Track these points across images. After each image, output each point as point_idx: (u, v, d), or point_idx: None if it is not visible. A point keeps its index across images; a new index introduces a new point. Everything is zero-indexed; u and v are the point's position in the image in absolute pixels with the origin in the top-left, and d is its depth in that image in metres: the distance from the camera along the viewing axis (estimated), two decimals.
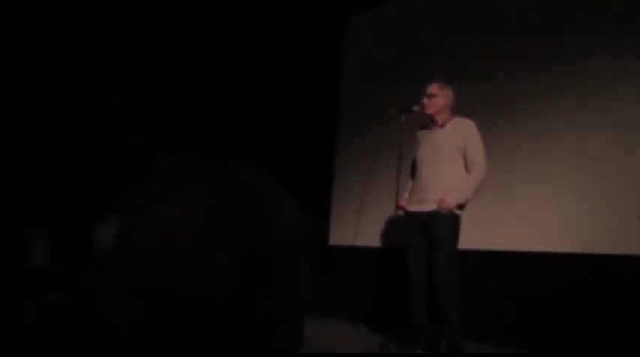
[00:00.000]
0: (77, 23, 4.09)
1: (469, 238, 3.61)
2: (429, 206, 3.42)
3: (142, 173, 3.97)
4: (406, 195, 3.67)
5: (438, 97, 3.56)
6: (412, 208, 3.55)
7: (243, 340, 0.53)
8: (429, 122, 3.65)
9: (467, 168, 3.47)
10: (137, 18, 4.44)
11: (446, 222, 3.37)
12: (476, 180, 3.40)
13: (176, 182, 0.59)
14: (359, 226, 4.59)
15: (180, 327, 0.52)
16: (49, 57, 3.89)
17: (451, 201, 3.35)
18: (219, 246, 0.53)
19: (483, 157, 3.44)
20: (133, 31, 4.43)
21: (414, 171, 3.71)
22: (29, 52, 3.59)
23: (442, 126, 3.58)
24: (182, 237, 0.53)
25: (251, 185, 0.60)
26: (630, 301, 3.44)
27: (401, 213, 3.66)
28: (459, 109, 3.63)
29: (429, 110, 3.56)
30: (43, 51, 3.80)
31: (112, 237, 1.70)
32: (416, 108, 3.62)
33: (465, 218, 3.45)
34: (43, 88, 3.84)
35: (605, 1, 3.97)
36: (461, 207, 3.42)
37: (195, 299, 0.52)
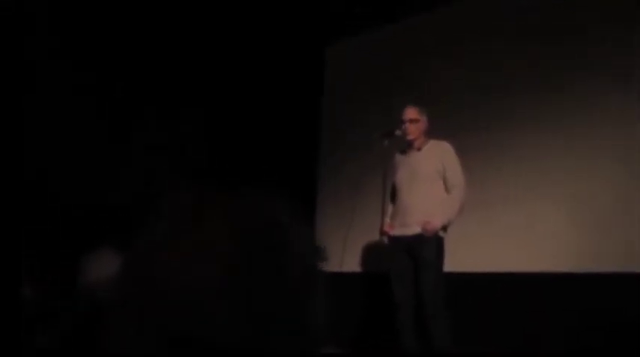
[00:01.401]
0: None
1: (454, 260, 3.60)
2: (413, 230, 3.42)
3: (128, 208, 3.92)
4: (387, 219, 3.67)
5: (420, 123, 3.60)
6: (395, 232, 3.54)
7: None
8: (405, 146, 3.67)
9: (447, 190, 3.49)
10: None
11: (431, 245, 3.37)
12: (458, 201, 3.42)
13: (191, 215, 0.55)
14: (344, 252, 4.56)
15: None
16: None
17: (436, 223, 3.36)
18: (243, 284, 0.51)
19: (463, 178, 3.46)
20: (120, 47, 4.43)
21: (393, 195, 3.71)
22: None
23: (419, 149, 3.60)
24: (203, 275, 0.51)
25: (271, 215, 0.58)
26: (621, 320, 3.44)
27: (385, 239, 3.65)
28: (440, 130, 3.66)
29: (411, 136, 3.58)
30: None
31: (100, 271, 1.64)
32: (398, 133, 3.64)
33: (449, 240, 3.45)
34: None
35: (582, 12, 4.00)
36: (444, 229, 3.43)
37: (217, 347, 0.49)
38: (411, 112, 3.61)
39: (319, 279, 0.60)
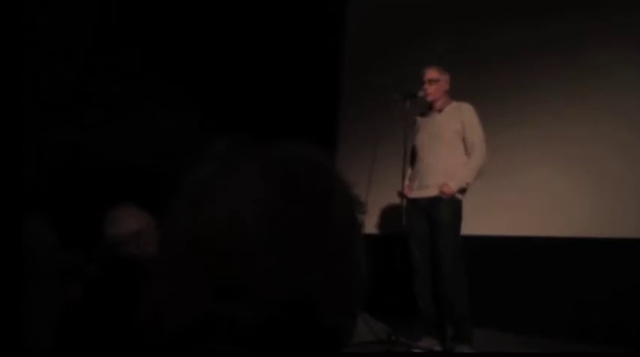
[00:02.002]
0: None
1: (471, 224, 3.60)
2: (431, 191, 3.41)
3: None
4: (407, 181, 3.65)
5: (440, 82, 3.54)
6: (413, 195, 3.53)
7: (305, 330, 0.50)
8: (427, 108, 3.62)
9: (467, 152, 3.45)
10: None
11: (448, 207, 3.35)
12: (476, 163, 3.38)
13: (230, 168, 0.53)
14: (366, 212, 4.57)
15: (247, 319, 0.48)
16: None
17: (453, 186, 3.33)
18: (283, 237, 0.49)
19: (483, 140, 3.41)
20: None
21: (413, 157, 3.69)
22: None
23: (440, 111, 3.56)
24: (247, 225, 0.49)
25: (315, 161, 0.55)
26: (634, 285, 3.44)
27: (403, 200, 3.65)
28: (457, 94, 3.60)
29: (431, 96, 3.54)
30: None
31: (123, 226, 1.66)
32: (421, 93, 3.59)
33: (467, 204, 3.43)
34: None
35: None
36: (462, 191, 3.40)
37: (264, 294, 0.48)
38: (431, 73, 3.55)
39: (360, 229, 0.58)
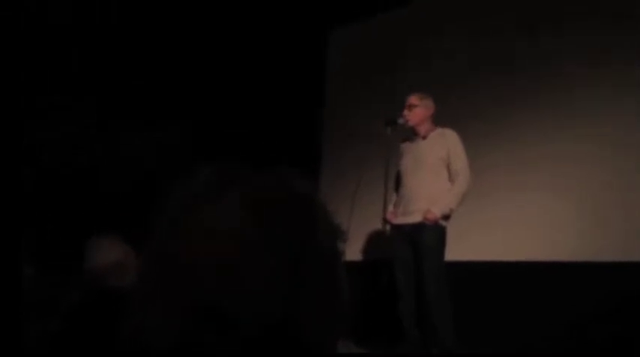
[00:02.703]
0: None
1: (455, 250, 3.61)
2: (415, 218, 3.42)
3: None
4: (391, 207, 3.66)
5: (419, 108, 3.57)
6: (398, 220, 3.54)
7: (289, 351, 0.50)
8: (411, 134, 3.66)
9: (451, 178, 3.48)
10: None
11: (432, 233, 3.36)
12: (460, 190, 3.40)
13: (214, 192, 0.54)
14: (347, 241, 4.56)
15: (227, 343, 0.48)
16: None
17: (437, 212, 3.35)
18: (267, 259, 0.50)
19: (467, 166, 3.45)
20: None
21: (398, 183, 3.71)
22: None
23: (424, 137, 3.59)
24: (229, 250, 0.50)
25: (295, 188, 0.57)
26: (619, 308, 3.45)
27: (387, 226, 3.65)
28: (440, 119, 3.64)
29: (411, 122, 3.57)
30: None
31: (104, 257, 1.64)
32: (401, 121, 3.62)
33: (451, 229, 3.45)
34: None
35: (581, 4, 4.02)
36: (446, 217, 3.42)
37: (244, 319, 0.48)
38: (410, 98, 3.60)
39: (342, 256, 0.59)
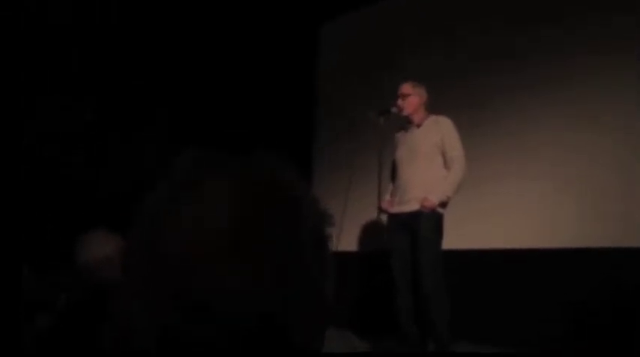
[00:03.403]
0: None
1: (453, 238, 3.60)
2: (411, 206, 3.40)
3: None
4: (387, 196, 3.65)
5: (412, 97, 3.56)
6: (394, 209, 3.52)
7: (274, 345, 0.49)
8: (406, 123, 3.65)
9: (446, 165, 3.47)
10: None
11: (429, 221, 3.34)
12: (456, 177, 3.38)
13: (199, 178, 0.52)
14: (341, 231, 4.56)
15: (212, 337, 0.47)
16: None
17: (434, 200, 3.33)
18: (251, 249, 0.48)
19: (462, 153, 3.42)
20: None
21: (394, 172, 3.69)
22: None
23: (419, 125, 3.57)
24: (211, 239, 0.48)
25: (277, 175, 0.55)
26: (620, 295, 3.46)
27: (383, 215, 3.64)
28: (435, 107, 3.63)
29: (405, 111, 3.56)
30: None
31: (96, 252, 1.62)
32: (394, 110, 3.60)
33: (448, 217, 3.44)
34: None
35: None
36: (443, 205, 3.41)
37: (229, 311, 0.47)
38: (403, 87, 3.58)
39: (329, 244, 0.57)
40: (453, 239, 3.59)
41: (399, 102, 3.56)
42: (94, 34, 4.25)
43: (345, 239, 4.77)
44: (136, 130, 4.55)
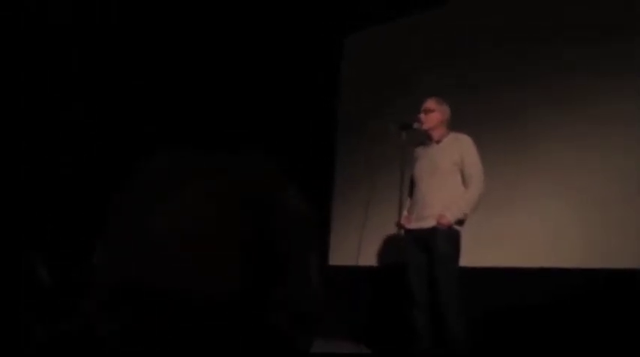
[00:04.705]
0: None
1: (470, 256, 3.58)
2: (428, 222, 3.40)
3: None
4: (405, 212, 3.65)
5: (435, 113, 3.57)
6: (411, 225, 3.52)
7: (255, 341, 0.49)
8: (425, 139, 3.65)
9: (465, 183, 3.46)
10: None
11: (446, 237, 3.34)
12: (474, 195, 3.38)
13: (174, 175, 0.52)
14: (361, 245, 4.55)
15: (184, 330, 0.47)
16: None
17: (450, 217, 3.33)
18: (225, 242, 0.49)
19: (481, 171, 3.42)
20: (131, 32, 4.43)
21: (412, 188, 3.69)
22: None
23: (438, 142, 3.57)
24: (184, 233, 0.48)
25: (255, 175, 0.55)
26: (629, 315, 3.41)
27: (401, 231, 3.64)
28: (455, 123, 3.63)
29: (426, 126, 3.56)
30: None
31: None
32: (416, 125, 3.61)
33: (466, 234, 3.43)
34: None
35: (601, 15, 4.00)
36: (460, 222, 3.40)
37: (201, 300, 0.47)
38: (428, 103, 3.59)
39: (309, 241, 0.56)
40: (470, 257, 3.57)
41: (422, 116, 3.57)
42: (100, 33, 4.27)
43: (364, 254, 4.77)
44: (153, 131, 4.59)
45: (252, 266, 0.49)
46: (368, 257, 4.80)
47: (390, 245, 4.67)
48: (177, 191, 0.51)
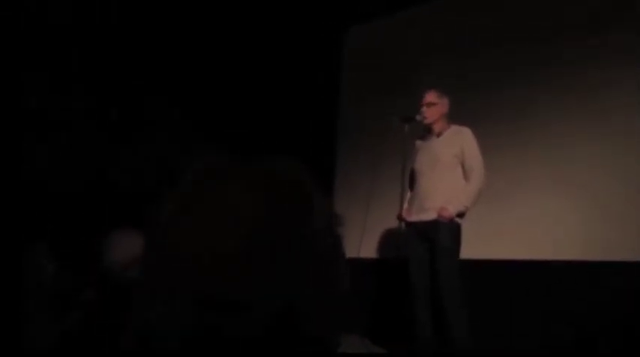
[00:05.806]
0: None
1: (471, 248, 3.60)
2: (429, 215, 3.41)
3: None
4: (406, 205, 3.66)
5: (437, 106, 3.57)
6: (412, 218, 3.54)
7: (291, 340, 0.51)
8: (426, 132, 3.65)
9: (465, 176, 3.46)
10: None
11: (447, 230, 3.35)
12: (475, 187, 3.39)
13: (213, 182, 0.54)
14: (362, 238, 4.56)
15: (231, 335, 0.49)
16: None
17: (451, 209, 3.34)
18: (267, 248, 0.51)
19: (481, 164, 3.43)
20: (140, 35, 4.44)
21: (412, 181, 3.70)
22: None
23: (439, 135, 3.58)
24: (227, 240, 0.50)
25: (292, 182, 0.57)
26: (630, 308, 3.42)
27: (402, 224, 3.65)
28: (455, 118, 3.63)
29: (427, 119, 3.56)
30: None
31: (122, 251, 1.67)
32: (418, 117, 3.62)
33: (466, 227, 3.44)
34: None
35: (600, 9, 4.00)
36: (461, 215, 3.41)
37: (246, 307, 0.49)
38: (429, 96, 3.59)
39: (341, 242, 0.60)
40: (471, 249, 3.59)
41: (423, 109, 3.57)
42: (100, 33, 4.27)
43: (366, 246, 4.78)
44: (160, 130, 4.61)
45: (288, 270, 0.51)
46: (370, 250, 4.82)
47: (392, 238, 4.68)
48: (219, 195, 0.53)
